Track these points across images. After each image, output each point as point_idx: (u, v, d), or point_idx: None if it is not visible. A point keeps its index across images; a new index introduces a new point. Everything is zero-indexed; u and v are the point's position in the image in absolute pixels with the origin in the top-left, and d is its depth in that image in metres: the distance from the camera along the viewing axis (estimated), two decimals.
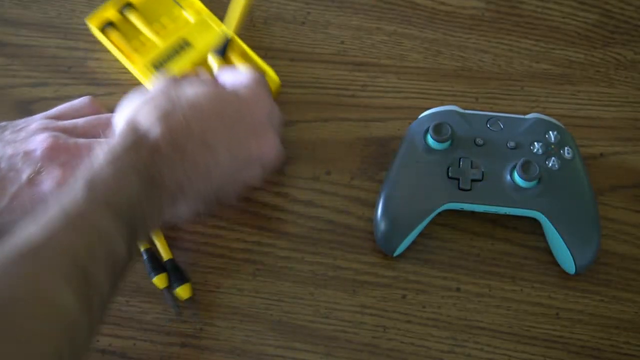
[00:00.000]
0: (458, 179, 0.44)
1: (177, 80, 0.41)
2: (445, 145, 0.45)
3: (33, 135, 0.41)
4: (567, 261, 0.43)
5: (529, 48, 0.54)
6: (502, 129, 0.46)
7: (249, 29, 0.55)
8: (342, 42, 0.55)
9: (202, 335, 0.43)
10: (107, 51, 0.53)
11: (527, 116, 0.47)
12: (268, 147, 0.41)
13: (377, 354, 0.43)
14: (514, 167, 0.43)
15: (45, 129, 0.41)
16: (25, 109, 0.50)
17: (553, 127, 0.46)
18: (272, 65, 0.51)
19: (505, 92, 0.52)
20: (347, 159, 0.49)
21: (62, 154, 0.40)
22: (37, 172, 0.39)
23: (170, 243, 0.46)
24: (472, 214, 0.46)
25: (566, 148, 0.45)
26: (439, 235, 0.46)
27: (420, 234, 0.45)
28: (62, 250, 0.31)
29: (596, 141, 0.50)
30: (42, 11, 0.56)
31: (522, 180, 0.43)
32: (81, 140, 0.41)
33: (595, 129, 0.50)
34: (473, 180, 0.44)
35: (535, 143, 0.45)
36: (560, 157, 0.44)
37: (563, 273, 0.45)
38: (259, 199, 0.48)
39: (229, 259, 0.46)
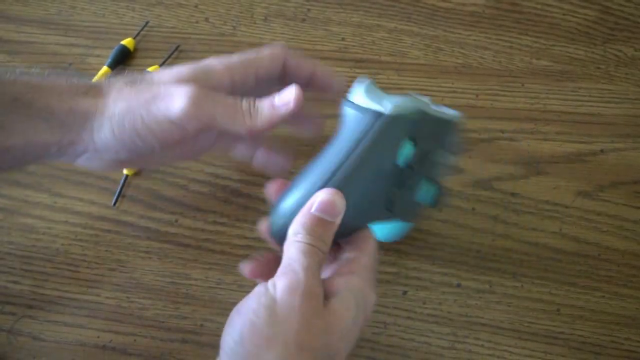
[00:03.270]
0: None
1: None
2: None
3: None
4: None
5: (529, 45, 0.54)
6: None
7: (250, 26, 0.55)
8: (343, 39, 0.55)
9: (203, 332, 0.43)
10: (108, 48, 0.53)
11: None
12: None
13: (377, 350, 0.43)
14: None
15: None
16: None
17: None
18: None
19: (506, 88, 0.52)
20: None
21: None
22: None
23: (172, 240, 0.46)
24: (473, 209, 0.46)
25: None
26: (439, 231, 0.46)
27: (421, 231, 0.45)
28: None
29: (596, 138, 0.50)
30: (43, 8, 0.56)
31: None
32: None
33: (596, 126, 0.51)
34: None
35: None
36: None
37: (564, 269, 0.45)
38: (260, 195, 0.47)
39: (230, 255, 0.46)
